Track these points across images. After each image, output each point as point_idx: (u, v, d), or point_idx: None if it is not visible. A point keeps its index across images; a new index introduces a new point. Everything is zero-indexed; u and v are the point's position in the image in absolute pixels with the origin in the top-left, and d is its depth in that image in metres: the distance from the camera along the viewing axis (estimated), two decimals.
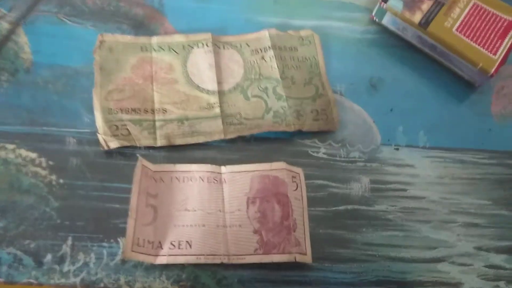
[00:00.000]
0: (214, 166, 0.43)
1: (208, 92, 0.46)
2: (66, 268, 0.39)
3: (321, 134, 0.46)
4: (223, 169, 0.43)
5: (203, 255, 0.39)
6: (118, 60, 0.46)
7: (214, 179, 0.42)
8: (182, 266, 0.40)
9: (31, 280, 0.38)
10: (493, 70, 0.47)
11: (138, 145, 0.43)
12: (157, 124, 0.44)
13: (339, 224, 0.43)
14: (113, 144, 0.42)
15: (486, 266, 0.42)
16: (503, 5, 0.49)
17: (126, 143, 0.43)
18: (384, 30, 0.52)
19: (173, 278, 0.39)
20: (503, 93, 0.50)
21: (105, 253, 0.40)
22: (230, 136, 0.44)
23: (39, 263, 0.39)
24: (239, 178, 0.42)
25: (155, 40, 0.48)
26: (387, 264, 0.42)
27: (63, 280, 0.38)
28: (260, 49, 0.49)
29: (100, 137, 0.42)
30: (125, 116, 0.44)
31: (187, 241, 0.39)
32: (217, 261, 0.39)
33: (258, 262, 0.39)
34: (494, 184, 0.46)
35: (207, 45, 0.48)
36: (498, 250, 0.43)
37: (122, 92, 0.45)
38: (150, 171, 0.42)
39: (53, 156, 0.42)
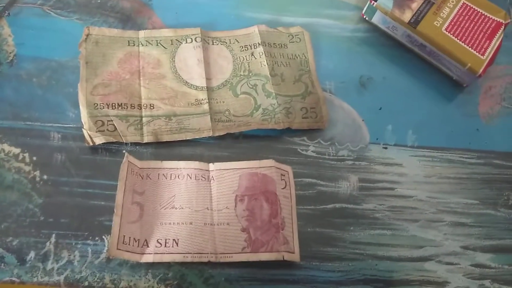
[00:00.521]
0: (202, 163, 0.42)
1: (196, 88, 0.45)
2: (49, 266, 0.38)
3: (310, 132, 0.46)
4: (211, 166, 0.42)
5: (190, 253, 0.38)
6: (104, 54, 0.45)
7: (202, 176, 0.42)
8: (168, 265, 0.39)
9: (14, 278, 0.37)
10: (481, 70, 0.47)
11: (124, 141, 0.42)
12: (144, 120, 0.43)
13: (327, 222, 0.43)
14: (99, 140, 0.41)
15: (472, 265, 0.43)
16: (491, 5, 0.50)
17: (112, 139, 0.42)
18: (374, 28, 0.52)
19: (159, 276, 0.39)
20: (490, 93, 0.51)
21: (89, 251, 0.39)
22: (219, 133, 0.44)
23: (22, 261, 0.38)
24: (227, 176, 0.42)
25: (142, 34, 0.47)
26: (374, 262, 0.42)
27: (46, 278, 0.38)
28: (250, 46, 0.48)
29: (85, 132, 0.42)
30: (111, 112, 0.43)
31: (174, 239, 0.39)
32: (204, 259, 0.39)
33: (245, 261, 0.39)
34: (481, 184, 0.46)
35: (195, 40, 0.47)
36: (484, 249, 0.43)
37: (108, 87, 0.44)
38: (137, 167, 0.41)
39: (37, 152, 0.42)
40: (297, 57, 0.49)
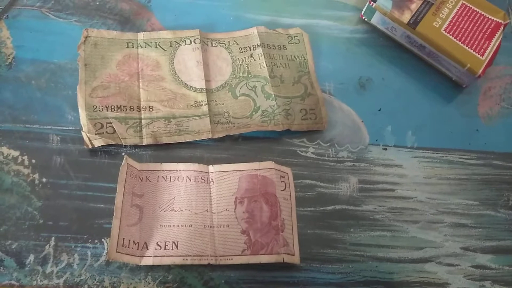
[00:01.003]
0: (201, 165, 0.42)
1: (195, 90, 0.45)
2: (49, 269, 0.38)
3: (310, 134, 0.46)
4: (211, 168, 0.42)
5: (190, 256, 0.38)
6: (103, 56, 0.45)
7: (202, 178, 0.42)
8: (168, 267, 0.39)
9: (13, 282, 0.37)
10: (480, 70, 0.47)
11: (123, 144, 0.42)
12: (143, 122, 0.43)
13: (327, 224, 0.42)
14: (98, 142, 0.41)
15: (472, 266, 0.43)
16: (490, 6, 0.50)
17: (111, 141, 0.42)
18: (373, 29, 0.52)
19: (159, 279, 0.39)
20: (490, 94, 0.51)
21: (89, 254, 0.39)
22: (218, 135, 0.43)
23: (21, 264, 0.38)
24: (227, 178, 0.42)
25: (141, 36, 0.47)
26: (375, 264, 0.42)
27: (45, 282, 0.38)
28: (249, 47, 0.48)
29: (84, 135, 0.42)
30: (110, 114, 0.43)
31: (173, 242, 0.39)
32: (204, 262, 0.38)
33: (245, 263, 0.39)
34: (481, 185, 0.46)
35: (194, 42, 0.47)
36: (484, 250, 0.43)
37: (107, 89, 0.44)
38: (136, 170, 0.41)
39: (36, 154, 0.41)
40: (296, 59, 0.49)
